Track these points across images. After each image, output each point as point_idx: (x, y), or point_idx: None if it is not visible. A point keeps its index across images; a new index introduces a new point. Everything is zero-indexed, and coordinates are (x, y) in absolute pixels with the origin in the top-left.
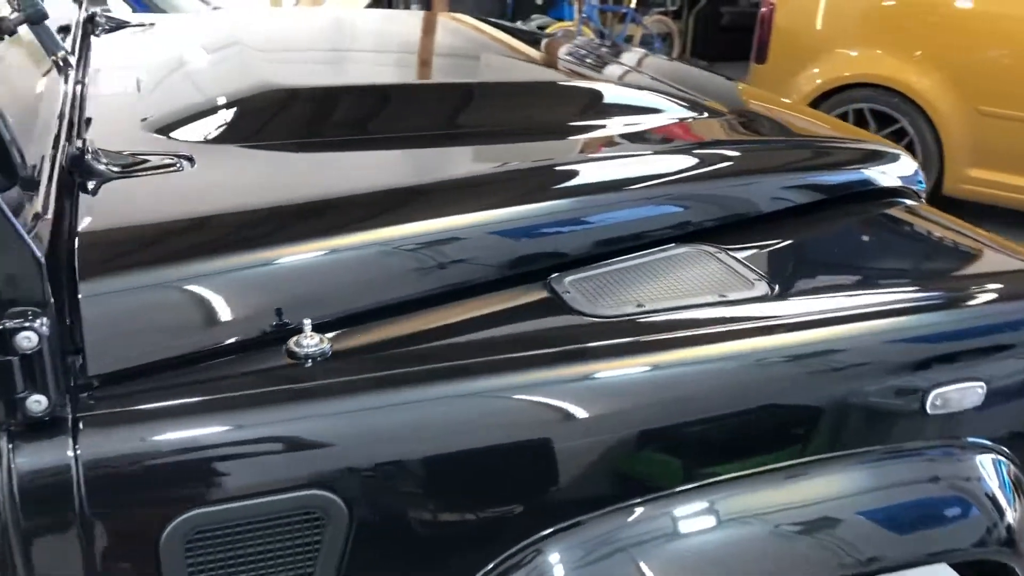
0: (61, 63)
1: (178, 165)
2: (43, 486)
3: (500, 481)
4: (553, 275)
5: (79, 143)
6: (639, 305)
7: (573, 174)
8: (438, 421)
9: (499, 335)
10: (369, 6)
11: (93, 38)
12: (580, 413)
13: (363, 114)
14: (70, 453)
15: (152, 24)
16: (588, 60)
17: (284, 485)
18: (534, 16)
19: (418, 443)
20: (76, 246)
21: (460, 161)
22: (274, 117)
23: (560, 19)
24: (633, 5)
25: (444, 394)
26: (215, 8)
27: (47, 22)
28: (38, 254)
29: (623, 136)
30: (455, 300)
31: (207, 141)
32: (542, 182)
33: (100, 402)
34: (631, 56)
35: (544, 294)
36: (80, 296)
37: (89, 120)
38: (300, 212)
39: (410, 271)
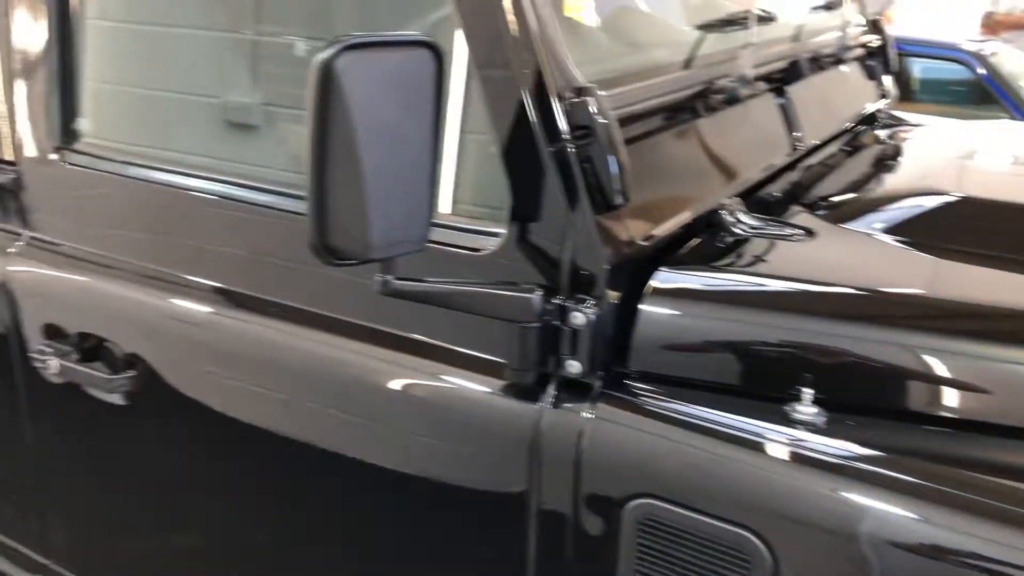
0: (794, 141)
1: (796, 236)
2: (561, 425)
3: None
4: None
5: (728, 200)
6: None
7: None
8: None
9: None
10: None
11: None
12: None
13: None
14: (585, 414)
15: (919, 125)
16: None
17: (722, 514)
18: None
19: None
20: (657, 271)
21: None
22: (919, 220)
23: None
24: None
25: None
26: None
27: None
28: (605, 264)
29: None
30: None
31: (845, 225)
32: None
33: (624, 387)
34: None
35: None
36: (640, 307)
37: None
38: (859, 299)
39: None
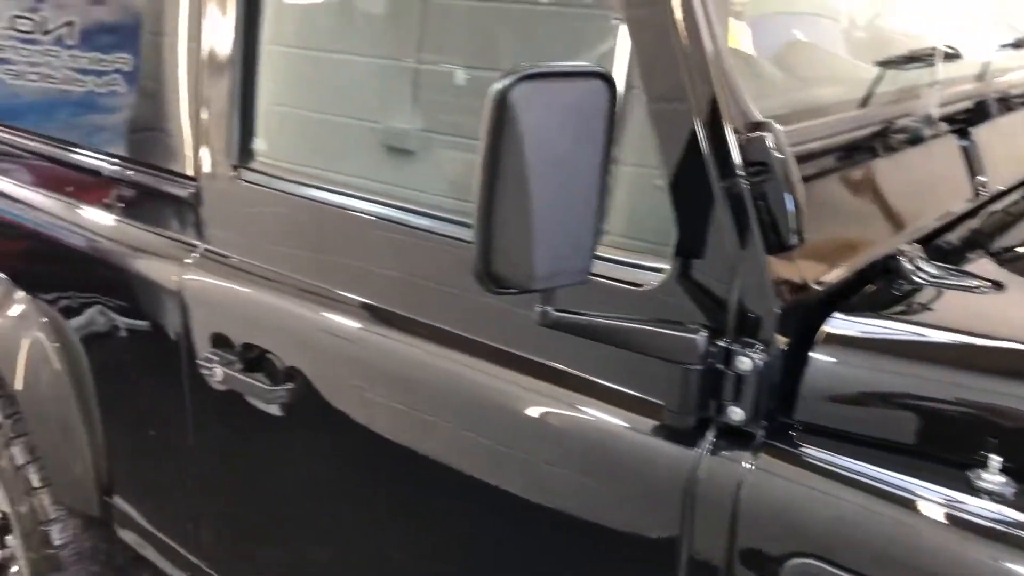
0: (978, 186)
1: (982, 287)
2: (719, 474)
3: None
4: None
5: (906, 246)
6: None
7: None
8: None
9: None
10: None
11: None
12: None
13: None
14: (746, 463)
15: None
16: None
17: None
18: None
19: None
20: (831, 317)
21: None
22: None
23: None
24: None
25: None
26: None
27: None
28: (775, 308)
29: None
30: None
31: None
32: None
33: (789, 438)
34: None
35: None
36: (811, 355)
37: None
38: None
39: None
